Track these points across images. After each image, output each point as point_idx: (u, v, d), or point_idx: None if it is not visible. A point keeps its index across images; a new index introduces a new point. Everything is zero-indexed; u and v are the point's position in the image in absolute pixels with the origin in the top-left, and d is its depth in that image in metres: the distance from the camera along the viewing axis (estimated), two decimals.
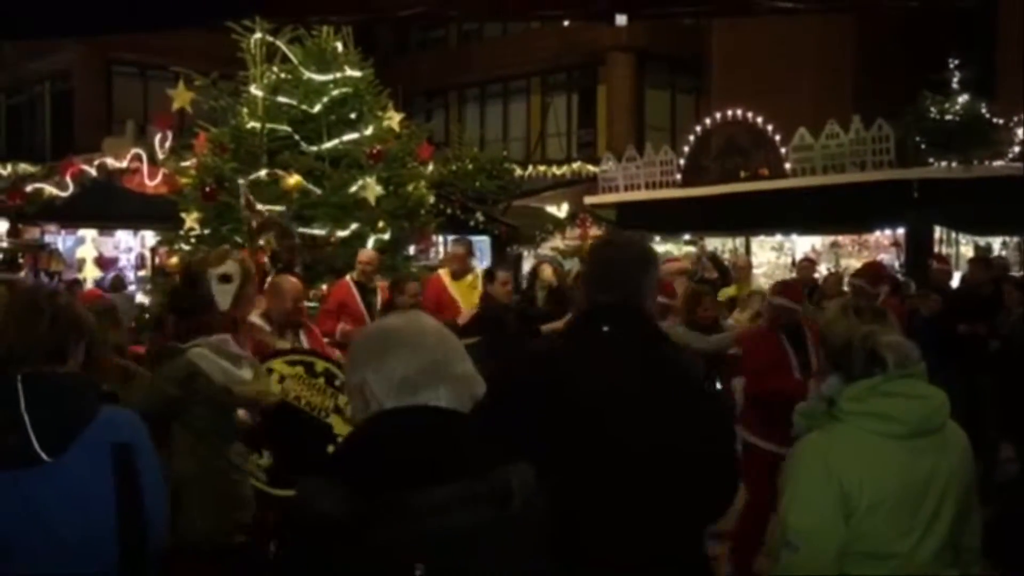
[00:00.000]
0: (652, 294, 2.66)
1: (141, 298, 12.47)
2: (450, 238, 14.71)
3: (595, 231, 18.91)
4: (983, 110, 14.39)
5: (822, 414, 2.62)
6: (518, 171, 20.93)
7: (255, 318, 5.38)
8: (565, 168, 22.99)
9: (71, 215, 15.59)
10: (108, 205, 15.04)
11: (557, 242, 18.93)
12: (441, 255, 13.51)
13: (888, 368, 2.55)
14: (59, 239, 16.76)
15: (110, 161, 17.04)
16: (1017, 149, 14.28)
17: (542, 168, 23.13)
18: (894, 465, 2.50)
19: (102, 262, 15.83)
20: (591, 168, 21.24)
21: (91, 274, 15.35)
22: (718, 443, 2.56)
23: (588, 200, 19.52)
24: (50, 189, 16.86)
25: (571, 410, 2.43)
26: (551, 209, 20.31)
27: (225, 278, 4.99)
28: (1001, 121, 14.42)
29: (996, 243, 14.85)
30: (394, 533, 1.54)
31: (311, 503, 1.55)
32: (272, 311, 5.41)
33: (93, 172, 16.83)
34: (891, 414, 2.51)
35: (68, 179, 16.66)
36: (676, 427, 2.42)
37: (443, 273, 8.55)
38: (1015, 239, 14.86)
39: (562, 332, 2.80)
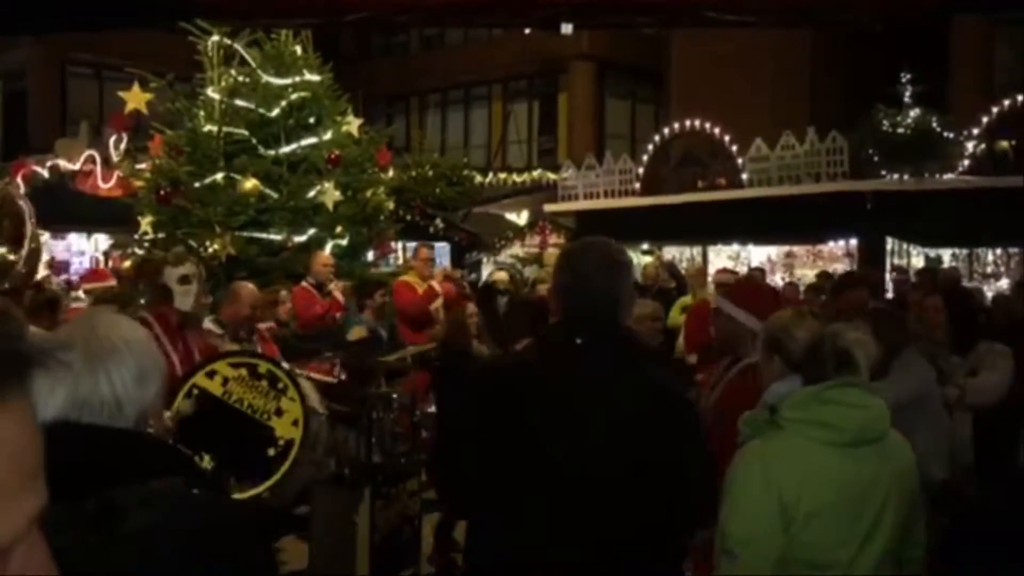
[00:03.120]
0: (628, 302, 2.54)
1: None
2: (412, 244, 14.75)
3: (555, 239, 18.97)
4: (935, 124, 14.67)
5: (764, 422, 2.62)
6: (478, 178, 20.95)
7: (208, 323, 5.34)
8: (525, 175, 23.04)
9: None
10: (60, 207, 14.79)
11: (516, 249, 18.96)
12: (401, 261, 13.48)
13: (859, 367, 2.58)
14: None
15: (63, 163, 16.76)
16: (968, 162, 14.58)
17: (502, 175, 23.17)
18: (834, 473, 2.51)
19: (54, 265, 15.57)
20: (551, 176, 21.32)
21: (45, 278, 15.08)
22: (693, 456, 2.46)
23: (548, 208, 19.58)
24: None
25: (540, 427, 2.35)
26: (511, 216, 20.35)
27: (185, 279, 4.99)
28: (952, 135, 14.71)
29: (946, 255, 15.14)
30: None
31: None
32: (227, 316, 5.38)
33: (45, 174, 16.54)
34: (831, 422, 2.52)
35: (19, 180, 16.34)
36: (649, 441, 2.34)
37: (411, 278, 8.58)
38: (964, 251, 15.16)
39: (534, 343, 2.63)
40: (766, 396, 2.73)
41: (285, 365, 4.79)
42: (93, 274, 9.22)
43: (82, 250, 16.23)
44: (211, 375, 4.38)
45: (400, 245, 14.51)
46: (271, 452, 4.26)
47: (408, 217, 14.39)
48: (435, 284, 8.63)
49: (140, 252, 9.50)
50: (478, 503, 2.47)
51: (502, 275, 9.28)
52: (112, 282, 7.68)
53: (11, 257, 7.36)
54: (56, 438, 1.58)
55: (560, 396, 2.38)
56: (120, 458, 1.60)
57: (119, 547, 1.46)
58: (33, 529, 0.73)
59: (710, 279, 13.16)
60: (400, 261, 13.99)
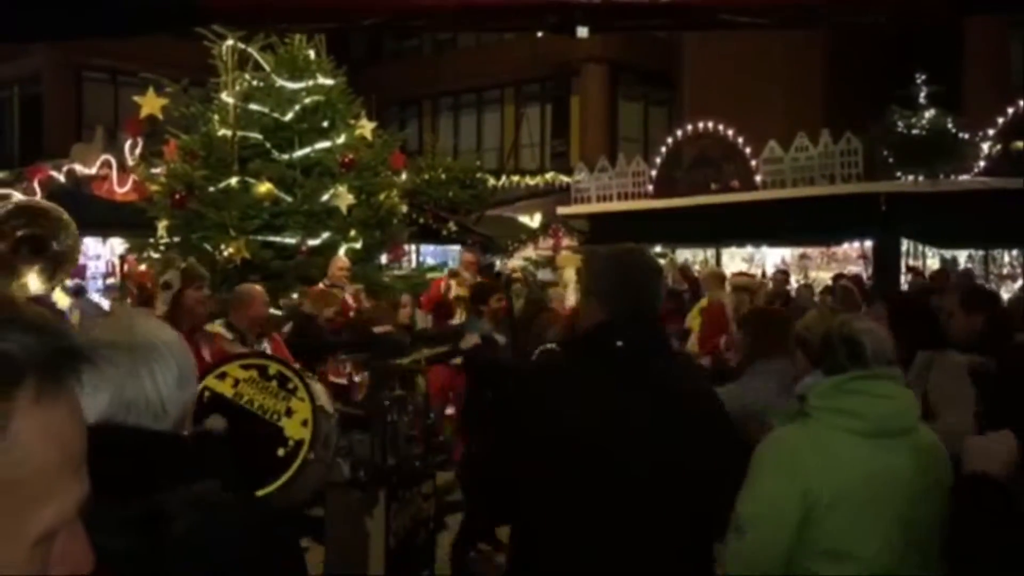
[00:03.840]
0: (660, 306, 2.59)
1: (109, 305, 12.36)
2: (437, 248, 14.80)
3: (567, 241, 18.97)
4: (949, 125, 14.61)
5: (794, 412, 2.67)
6: (491, 181, 20.97)
7: (219, 327, 5.37)
8: (538, 178, 23.06)
9: None
10: (76, 212, 14.80)
11: (529, 252, 18.97)
12: (413, 264, 13.52)
13: (866, 354, 2.60)
14: None
15: (79, 167, 16.87)
16: (983, 163, 14.50)
17: (515, 178, 23.19)
18: (856, 462, 2.51)
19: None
20: (564, 178, 21.31)
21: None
22: (729, 460, 2.48)
23: (561, 211, 19.58)
24: (18, 195, 16.66)
25: (577, 429, 2.35)
26: (524, 219, 20.35)
27: (166, 285, 5.06)
28: (967, 135, 14.64)
29: (962, 256, 15.07)
30: None
31: None
32: (236, 320, 5.40)
33: (62, 178, 16.66)
34: (853, 410, 2.54)
35: (36, 185, 16.47)
36: (685, 445, 2.35)
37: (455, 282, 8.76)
38: (980, 252, 15.08)
39: (570, 345, 2.67)
40: (797, 388, 2.77)
41: (295, 365, 4.80)
42: None
43: (98, 254, 16.33)
44: (222, 377, 4.40)
45: (412, 248, 14.54)
46: (281, 452, 4.27)
47: (421, 220, 14.40)
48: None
49: (156, 256, 9.54)
50: (520, 509, 2.47)
51: (515, 264, 9.43)
52: None
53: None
54: (104, 440, 1.60)
55: (601, 399, 2.38)
56: (165, 461, 1.61)
57: (168, 550, 1.48)
58: (76, 515, 0.78)
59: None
60: (413, 264, 14.03)
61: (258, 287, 5.78)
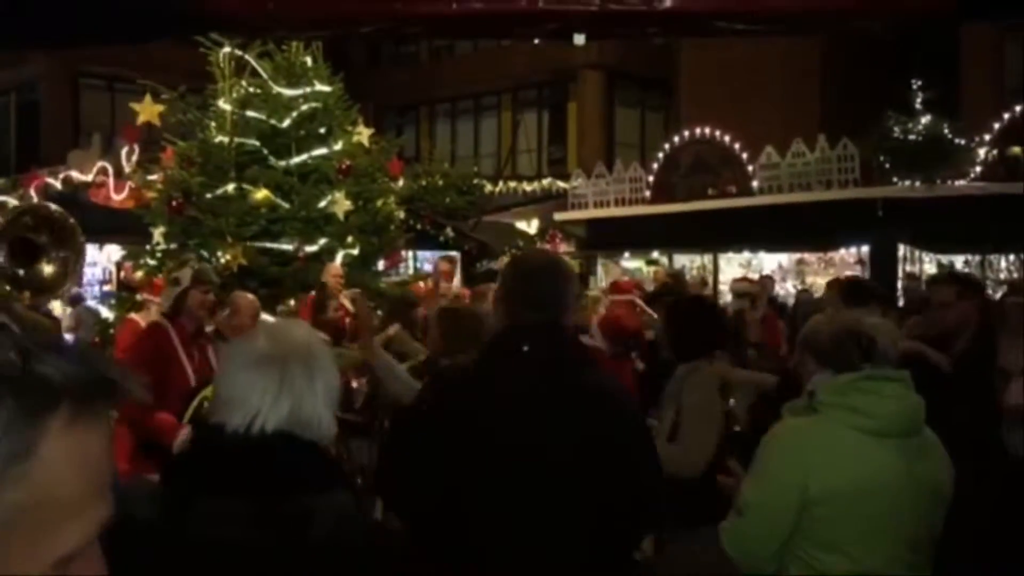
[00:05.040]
0: (572, 311, 2.60)
1: (107, 313, 12.35)
2: (435, 254, 14.76)
3: (565, 247, 18.98)
4: (946, 130, 14.64)
5: (803, 407, 2.71)
6: (488, 187, 20.98)
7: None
8: (535, 184, 23.07)
9: None
10: (73, 218, 14.85)
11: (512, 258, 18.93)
12: (411, 271, 13.51)
13: (878, 350, 2.63)
14: None
15: (76, 174, 16.86)
16: (979, 168, 14.53)
17: (512, 184, 23.20)
18: (861, 460, 2.55)
19: None
20: (561, 184, 21.34)
21: None
22: (639, 468, 2.46)
23: (558, 216, 19.60)
24: (13, 202, 16.64)
25: (481, 436, 2.37)
26: (521, 225, 20.36)
27: (175, 282, 5.07)
28: (963, 141, 14.67)
29: (959, 261, 15.09)
30: (195, 538, 1.56)
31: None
32: (225, 327, 5.39)
33: (58, 185, 16.65)
34: (861, 408, 2.57)
35: (32, 192, 16.46)
36: (590, 453, 2.35)
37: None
38: (977, 257, 15.10)
39: (482, 351, 2.64)
40: (808, 385, 2.81)
41: None
42: None
43: (95, 261, 16.31)
44: None
45: (410, 254, 14.53)
46: None
47: (418, 226, 14.40)
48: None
49: (152, 263, 9.53)
50: (430, 509, 2.49)
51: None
52: None
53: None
54: (270, 448, 1.67)
55: (508, 403, 2.39)
56: (316, 470, 1.70)
57: (308, 550, 1.58)
58: (96, 538, 0.81)
59: (724, 287, 13.15)
60: (410, 271, 14.02)
61: (249, 296, 5.76)
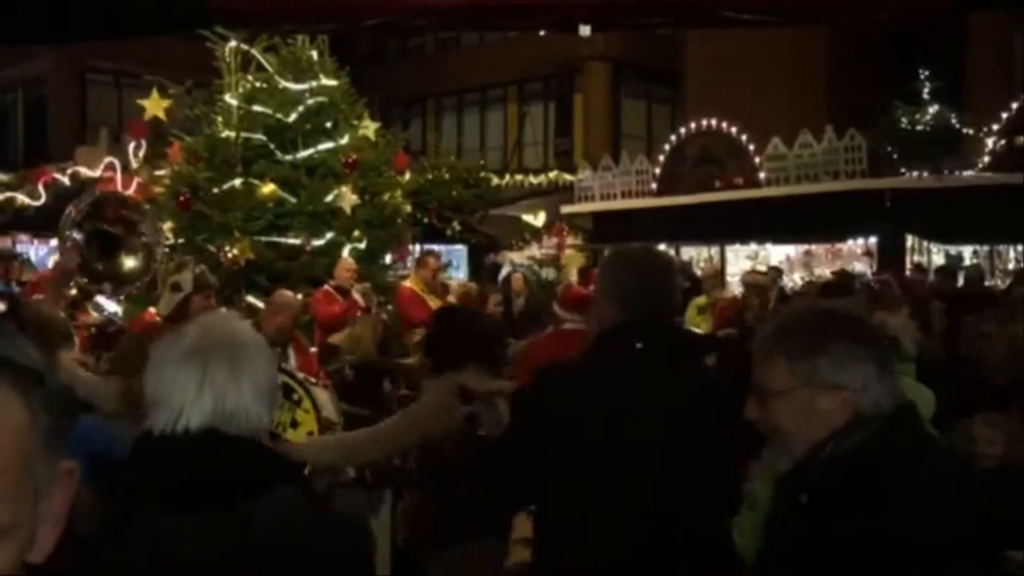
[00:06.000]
0: (678, 307, 2.65)
1: (115, 307, 12.37)
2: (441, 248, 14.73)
3: (571, 240, 18.96)
4: (953, 120, 14.58)
5: None
6: (495, 180, 20.96)
7: None
8: (542, 177, 23.05)
9: (43, 224, 15.43)
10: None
11: (534, 251, 18.96)
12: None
13: (905, 351, 2.62)
14: (31, 249, 16.59)
15: (83, 170, 16.86)
16: (987, 159, 14.47)
17: (519, 177, 23.18)
18: None
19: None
20: (568, 177, 21.31)
21: None
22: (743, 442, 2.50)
23: (565, 209, 19.58)
24: (22, 198, 16.69)
25: (596, 429, 2.39)
26: (527, 218, 20.33)
27: (176, 287, 5.04)
28: (971, 131, 14.61)
29: (967, 252, 15.03)
30: (135, 555, 1.52)
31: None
32: (265, 325, 5.39)
33: (66, 181, 16.66)
34: None
35: (40, 188, 16.49)
36: (699, 450, 2.39)
37: (412, 282, 8.58)
38: (985, 247, 15.05)
39: (592, 347, 2.63)
40: None
41: (299, 375, 4.78)
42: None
43: None
44: None
45: (417, 248, 14.54)
46: None
47: (425, 220, 14.43)
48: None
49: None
50: (538, 500, 2.53)
51: (518, 282, 9.47)
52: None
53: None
54: (195, 448, 1.63)
55: (622, 401, 2.41)
56: (250, 469, 1.65)
57: (249, 554, 1.53)
58: None
59: (731, 279, 13.13)
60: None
61: (288, 294, 5.76)
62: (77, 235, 6.32)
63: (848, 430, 1.67)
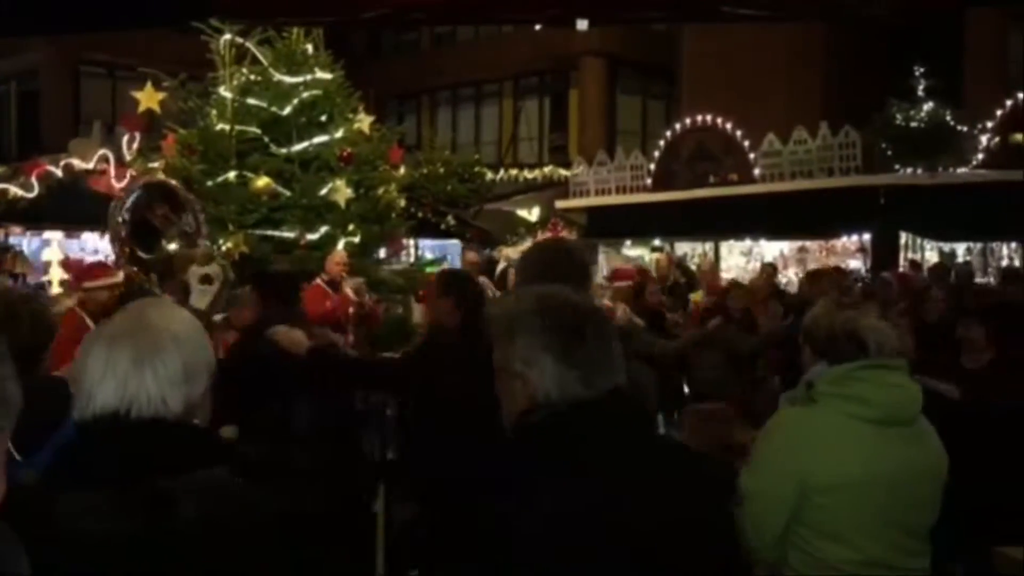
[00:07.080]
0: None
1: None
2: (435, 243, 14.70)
3: (566, 235, 18.95)
4: (948, 118, 14.60)
5: (802, 397, 2.72)
6: (489, 175, 20.94)
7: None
8: (537, 172, 23.04)
9: (36, 217, 15.37)
10: (74, 207, 14.83)
11: (528, 246, 18.93)
12: (412, 259, 13.51)
13: (870, 350, 2.64)
14: (24, 241, 16.53)
15: (76, 162, 16.80)
16: (981, 156, 14.50)
17: (514, 172, 23.17)
18: (859, 449, 2.56)
19: (68, 265, 15.62)
20: (563, 172, 21.31)
21: (57, 277, 15.14)
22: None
23: (559, 204, 19.58)
24: (15, 190, 16.60)
25: None
26: (522, 213, 20.34)
27: (206, 279, 5.02)
28: (965, 128, 14.64)
29: (960, 249, 15.07)
30: (53, 533, 1.52)
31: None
32: (234, 319, 5.38)
33: (59, 173, 16.60)
34: (863, 396, 2.58)
35: (33, 180, 16.42)
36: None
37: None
38: (979, 245, 15.09)
39: None
40: (806, 376, 2.83)
41: None
42: (95, 270, 7.72)
43: (96, 248, 16.30)
44: None
45: (411, 243, 14.52)
46: None
47: (420, 214, 14.38)
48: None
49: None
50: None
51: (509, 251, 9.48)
52: (117, 279, 7.06)
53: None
54: (105, 431, 1.65)
55: None
56: (168, 449, 1.67)
57: (177, 534, 1.53)
58: None
59: (725, 274, 13.14)
60: (411, 259, 14.01)
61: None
62: (123, 226, 6.34)
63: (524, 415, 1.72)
